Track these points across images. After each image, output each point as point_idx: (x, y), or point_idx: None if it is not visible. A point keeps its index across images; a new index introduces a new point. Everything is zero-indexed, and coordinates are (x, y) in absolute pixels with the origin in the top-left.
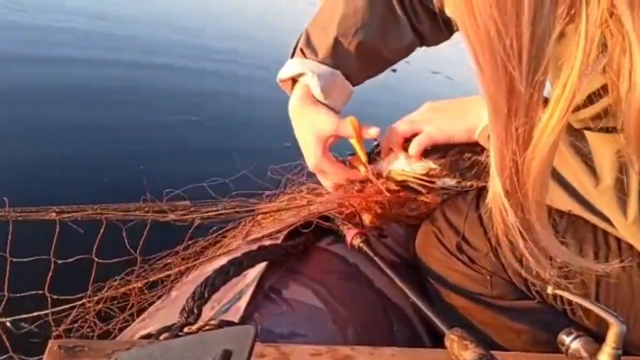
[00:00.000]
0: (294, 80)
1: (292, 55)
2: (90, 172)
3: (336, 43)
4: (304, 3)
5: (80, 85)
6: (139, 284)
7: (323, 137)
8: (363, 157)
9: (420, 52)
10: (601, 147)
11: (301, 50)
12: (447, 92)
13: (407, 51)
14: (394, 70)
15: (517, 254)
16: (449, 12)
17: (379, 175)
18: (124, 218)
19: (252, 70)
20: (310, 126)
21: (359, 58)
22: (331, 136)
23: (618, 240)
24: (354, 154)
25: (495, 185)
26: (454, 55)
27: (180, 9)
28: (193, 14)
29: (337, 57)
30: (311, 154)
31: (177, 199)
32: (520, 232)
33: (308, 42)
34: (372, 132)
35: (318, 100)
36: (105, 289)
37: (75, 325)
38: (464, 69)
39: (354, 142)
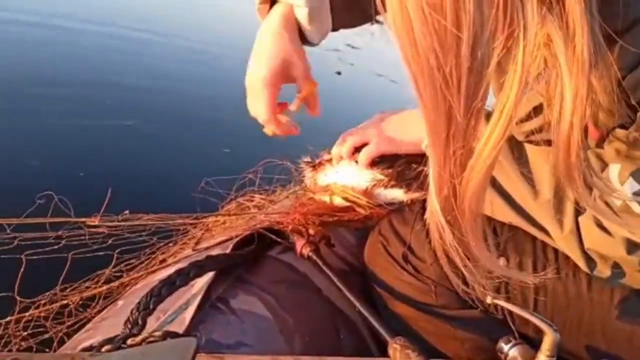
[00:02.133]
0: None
1: None
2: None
3: None
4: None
5: None
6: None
7: (286, 70)
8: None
9: (365, 54)
10: (541, 161)
11: None
12: (392, 95)
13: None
14: (339, 73)
15: (456, 269)
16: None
17: (326, 187)
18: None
19: (196, 69)
20: (284, 46)
21: None
22: (289, 78)
23: (556, 251)
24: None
25: (433, 204)
26: (398, 58)
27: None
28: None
29: None
30: (269, 73)
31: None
32: (456, 249)
33: None
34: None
35: (299, 27)
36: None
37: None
38: None
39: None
